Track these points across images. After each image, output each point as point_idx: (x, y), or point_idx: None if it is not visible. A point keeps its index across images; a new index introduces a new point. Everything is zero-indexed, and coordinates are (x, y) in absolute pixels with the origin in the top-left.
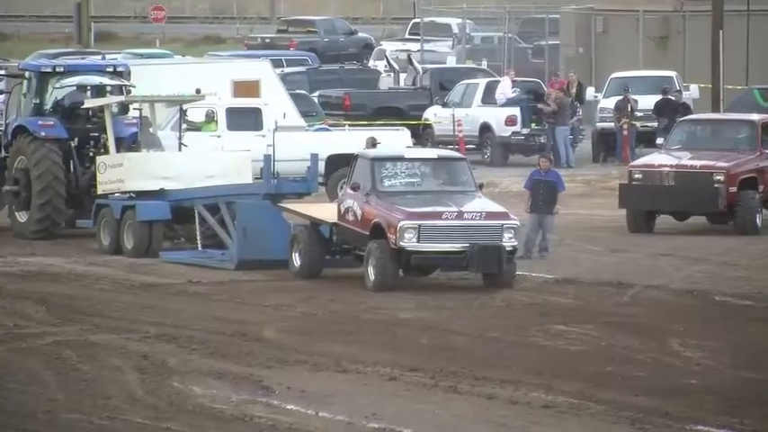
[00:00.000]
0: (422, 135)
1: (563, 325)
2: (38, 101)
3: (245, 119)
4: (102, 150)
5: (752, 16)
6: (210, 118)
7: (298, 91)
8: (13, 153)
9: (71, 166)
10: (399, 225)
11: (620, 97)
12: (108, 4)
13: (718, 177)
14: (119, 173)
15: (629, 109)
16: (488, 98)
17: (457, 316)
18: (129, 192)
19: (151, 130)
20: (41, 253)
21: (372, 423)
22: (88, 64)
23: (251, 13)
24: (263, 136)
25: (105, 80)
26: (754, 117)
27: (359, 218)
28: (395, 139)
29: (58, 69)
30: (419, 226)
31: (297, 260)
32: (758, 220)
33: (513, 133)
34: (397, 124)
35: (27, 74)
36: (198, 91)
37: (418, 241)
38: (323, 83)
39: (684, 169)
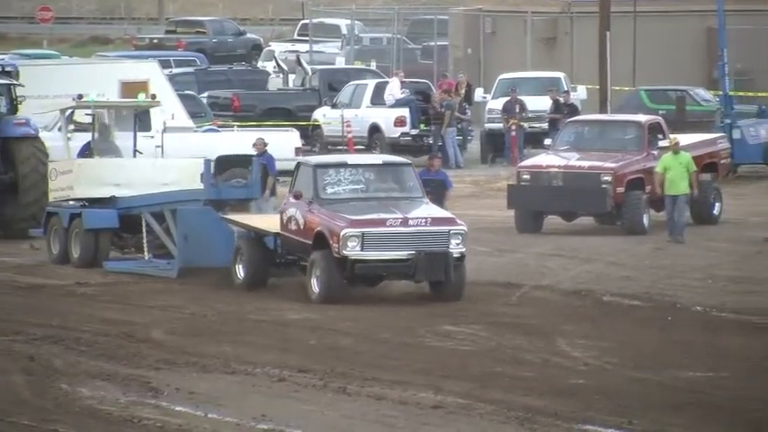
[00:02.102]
0: (311, 136)
1: (451, 326)
2: None
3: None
4: None
5: (638, 18)
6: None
7: (186, 92)
8: None
9: None
10: (342, 233)
11: (508, 98)
12: None
13: (605, 178)
14: (69, 179)
15: (518, 110)
16: (377, 99)
17: (345, 317)
18: (80, 199)
19: (111, 137)
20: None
21: (261, 424)
22: None
23: (139, 13)
24: (152, 137)
25: None
26: (641, 118)
27: (301, 227)
28: (284, 141)
29: None
30: (362, 234)
31: (240, 272)
32: (645, 221)
33: (402, 134)
34: (287, 125)
35: None
36: (153, 96)
37: (362, 249)
38: (211, 84)
39: (572, 170)
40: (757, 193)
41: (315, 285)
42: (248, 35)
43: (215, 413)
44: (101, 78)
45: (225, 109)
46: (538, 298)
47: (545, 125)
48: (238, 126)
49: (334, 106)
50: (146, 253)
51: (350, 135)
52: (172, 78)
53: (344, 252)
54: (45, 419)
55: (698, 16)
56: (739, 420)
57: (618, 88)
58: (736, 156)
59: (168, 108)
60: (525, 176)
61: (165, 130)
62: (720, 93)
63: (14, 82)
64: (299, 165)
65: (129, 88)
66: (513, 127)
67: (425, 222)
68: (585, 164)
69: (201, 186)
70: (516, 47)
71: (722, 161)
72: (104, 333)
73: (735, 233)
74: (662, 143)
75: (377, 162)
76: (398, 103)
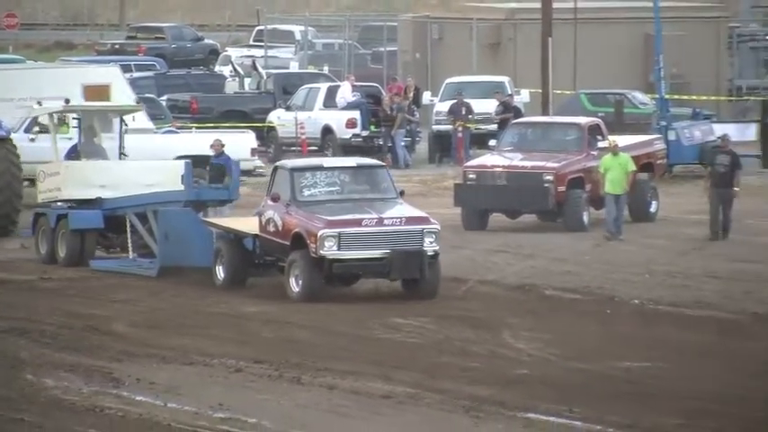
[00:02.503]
0: (266, 137)
1: (401, 318)
2: None
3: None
4: None
5: (579, 24)
6: (62, 121)
7: (146, 95)
8: None
9: None
10: (320, 233)
11: (455, 101)
12: None
13: (547, 177)
14: (56, 181)
15: (464, 112)
16: (330, 102)
17: (299, 310)
18: (67, 200)
19: (96, 140)
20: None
21: (219, 413)
22: None
23: (101, 19)
24: (113, 138)
25: None
26: (582, 120)
27: (280, 228)
28: (240, 142)
29: None
30: (339, 234)
31: (221, 273)
32: (585, 218)
33: (354, 135)
34: (243, 127)
35: None
36: (137, 101)
37: (339, 249)
38: (171, 87)
39: (516, 170)
40: (692, 191)
41: (294, 285)
42: (206, 41)
43: (174, 402)
44: (64, 82)
45: (183, 111)
46: (484, 292)
47: (490, 126)
48: (196, 128)
49: (288, 109)
50: (130, 252)
51: (303, 136)
52: (132, 82)
53: (322, 252)
54: (11, 409)
55: (635, 23)
56: (674, 408)
57: (559, 92)
58: (671, 156)
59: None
60: (471, 176)
61: (125, 132)
62: (657, 96)
63: None
64: (275, 168)
65: (92, 92)
66: (460, 128)
67: (400, 222)
68: (528, 164)
69: (181, 187)
70: (462, 52)
71: (658, 161)
72: (68, 326)
73: (671, 230)
74: (601, 144)
75: (351, 165)
76: (350, 106)
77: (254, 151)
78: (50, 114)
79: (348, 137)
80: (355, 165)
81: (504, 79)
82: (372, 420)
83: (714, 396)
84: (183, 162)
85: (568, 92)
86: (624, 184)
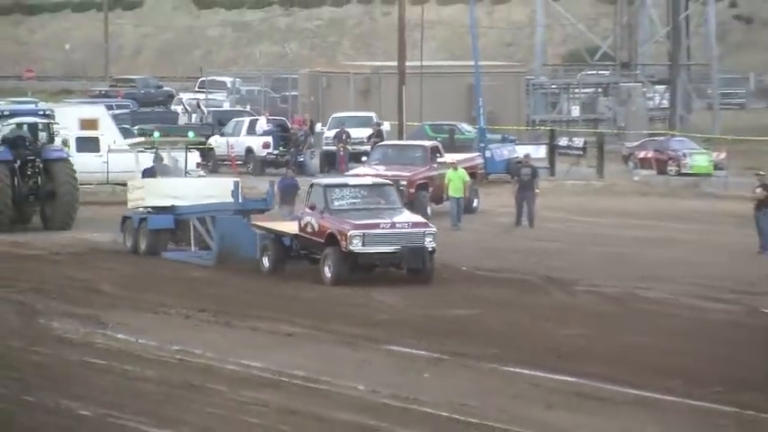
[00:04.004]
0: (207, 155)
1: (307, 282)
2: None
3: (89, 144)
4: (38, 170)
5: (424, 77)
6: (65, 143)
7: (123, 126)
8: None
9: (15, 181)
10: (349, 233)
11: (338, 129)
12: None
13: (402, 182)
14: (141, 193)
15: (344, 137)
16: (251, 130)
17: (235, 275)
18: (148, 207)
19: (165, 162)
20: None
21: (175, 346)
22: (25, 109)
23: (92, 73)
24: (101, 156)
25: (37, 119)
26: (425, 143)
27: (316, 229)
28: (189, 158)
29: (3, 113)
30: (363, 234)
31: (266, 263)
32: (429, 211)
33: (268, 153)
34: (191, 148)
35: None
36: (193, 134)
37: (363, 245)
38: (140, 120)
39: (381, 177)
40: (502, 192)
41: (327, 272)
42: (165, 88)
43: (143, 339)
44: (67, 117)
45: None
46: None
47: (364, 147)
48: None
49: (222, 135)
50: (192, 246)
51: (233, 155)
52: (114, 117)
53: (350, 247)
54: (29, 344)
55: (463, 76)
56: (488, 341)
57: (410, 123)
58: (487, 168)
59: (111, 137)
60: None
61: (109, 151)
62: (477, 126)
63: (53, 120)
64: (312, 185)
65: (86, 123)
66: (342, 149)
67: (407, 225)
68: (389, 173)
69: (232, 200)
70: (343, 95)
71: (479, 171)
72: (69, 286)
73: (488, 219)
74: (440, 159)
75: (368, 183)
76: (265, 133)
77: (198, 164)
78: (131, 146)
79: (264, 155)
80: (371, 183)
81: (372, 114)
82: (279, 350)
83: (514, 332)
84: (232, 181)
85: (416, 123)
86: (462, 191)
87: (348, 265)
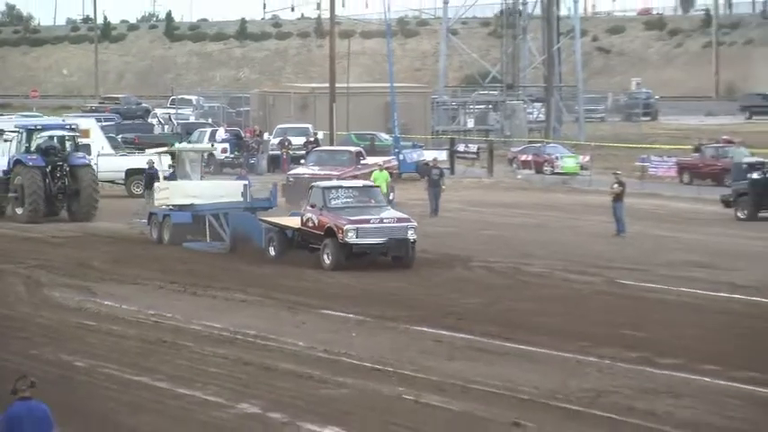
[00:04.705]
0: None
1: (248, 265)
2: (27, 145)
3: (83, 150)
4: (65, 173)
5: (350, 95)
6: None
7: (110, 134)
8: (13, 174)
9: (46, 182)
10: (345, 227)
11: (281, 138)
12: (4, 87)
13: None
14: (166, 194)
15: (287, 144)
16: (212, 138)
17: (202, 254)
18: (171, 205)
19: (187, 168)
20: (23, 231)
21: (150, 311)
22: (54, 124)
23: (85, 92)
24: (91, 159)
25: (65, 133)
26: (352, 149)
27: (316, 224)
28: (162, 160)
29: (37, 127)
30: (357, 228)
31: (272, 251)
32: None
33: (226, 157)
34: (163, 152)
35: (20, 130)
36: (213, 145)
37: (357, 237)
38: (124, 130)
39: (315, 176)
40: (412, 188)
41: (326, 259)
42: (143, 104)
43: (125, 305)
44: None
45: (130, 144)
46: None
47: (302, 152)
48: (138, 152)
49: (189, 142)
50: (208, 238)
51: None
52: (102, 128)
53: (346, 239)
54: (35, 309)
55: (381, 95)
56: (407, 306)
57: (339, 133)
58: (401, 168)
59: (100, 144)
60: (291, 180)
61: (99, 155)
62: (393, 135)
63: (77, 133)
64: (312, 186)
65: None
66: (285, 153)
67: (393, 221)
68: (322, 173)
69: (241, 199)
70: (285, 110)
71: (395, 171)
72: (67, 263)
73: (403, 210)
74: (363, 162)
75: (359, 185)
76: (223, 141)
77: (169, 166)
78: (158, 153)
79: (223, 158)
80: (362, 185)
81: (309, 125)
82: (234, 314)
83: (424, 300)
84: (242, 183)
85: (344, 132)
86: (385, 187)
87: (344, 254)
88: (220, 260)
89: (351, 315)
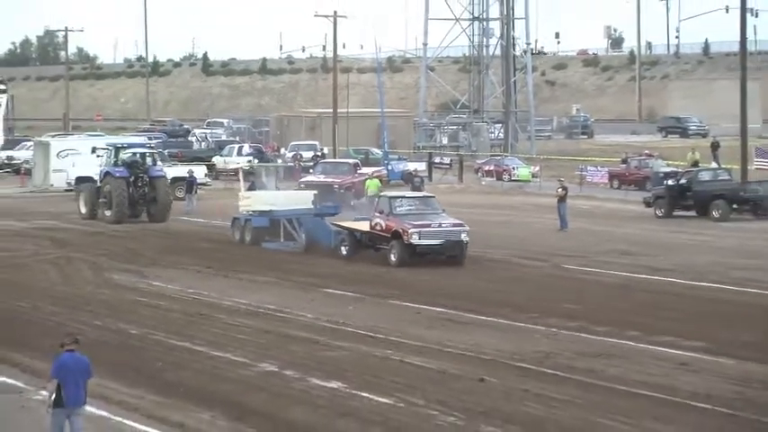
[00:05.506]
0: (212, 169)
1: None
2: (115, 159)
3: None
4: (145, 183)
5: (349, 118)
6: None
7: (158, 150)
8: (103, 184)
9: (130, 190)
10: (410, 230)
11: (295, 152)
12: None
13: (335, 185)
14: (248, 202)
15: (299, 157)
16: (239, 153)
17: (239, 248)
18: (252, 211)
19: (264, 179)
20: (92, 227)
21: (190, 289)
22: (137, 142)
23: (138, 117)
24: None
25: (145, 150)
26: (350, 161)
27: (383, 227)
28: (200, 171)
29: (123, 145)
30: (420, 231)
31: (344, 250)
32: (352, 203)
33: (251, 167)
34: (201, 164)
35: (109, 147)
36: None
37: (419, 239)
38: (169, 146)
39: (322, 182)
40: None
41: (393, 257)
42: (184, 126)
43: (171, 285)
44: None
45: (174, 157)
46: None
47: (311, 163)
48: (181, 164)
49: (221, 156)
50: (282, 239)
51: (228, 168)
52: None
53: (411, 240)
54: (97, 289)
55: (374, 118)
56: (395, 286)
57: (342, 148)
58: (389, 176)
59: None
60: (302, 186)
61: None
62: (383, 150)
63: (155, 150)
64: (380, 196)
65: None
66: (297, 164)
67: (449, 225)
68: (328, 180)
69: (311, 206)
70: (298, 130)
71: (384, 178)
72: (124, 252)
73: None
74: (360, 171)
75: (420, 195)
76: (248, 155)
77: (206, 175)
78: (241, 170)
79: (248, 168)
80: (422, 195)
81: (316, 142)
82: (257, 292)
83: (409, 281)
84: (312, 193)
85: (344, 148)
86: (377, 192)
87: (408, 253)
88: (297, 257)
89: (348, 293)
